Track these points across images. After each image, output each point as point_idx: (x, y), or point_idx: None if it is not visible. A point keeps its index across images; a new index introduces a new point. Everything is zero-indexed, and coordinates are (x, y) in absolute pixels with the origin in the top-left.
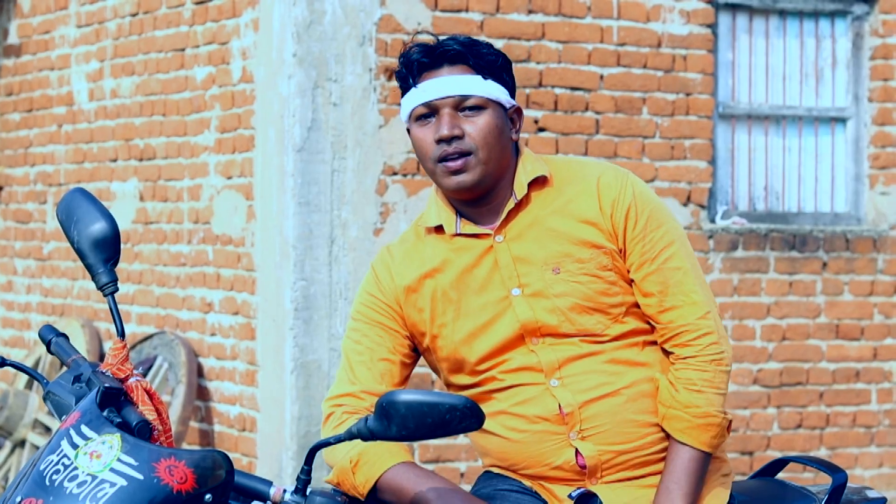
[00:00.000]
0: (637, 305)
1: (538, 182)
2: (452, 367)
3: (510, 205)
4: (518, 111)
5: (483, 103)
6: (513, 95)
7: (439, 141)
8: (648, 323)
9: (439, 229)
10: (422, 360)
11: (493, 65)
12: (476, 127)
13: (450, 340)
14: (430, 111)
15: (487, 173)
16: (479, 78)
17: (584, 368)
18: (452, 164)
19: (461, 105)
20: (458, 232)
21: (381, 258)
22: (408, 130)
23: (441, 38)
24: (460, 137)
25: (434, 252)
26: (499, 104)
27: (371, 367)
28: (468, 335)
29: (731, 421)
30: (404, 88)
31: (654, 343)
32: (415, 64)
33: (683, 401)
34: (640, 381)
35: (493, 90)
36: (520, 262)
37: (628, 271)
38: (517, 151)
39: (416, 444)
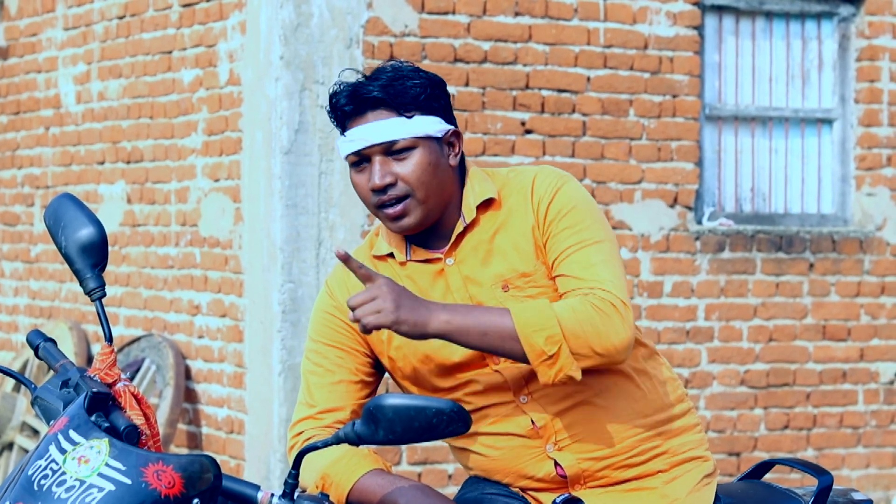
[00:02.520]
0: None
1: (487, 202)
2: (414, 386)
3: (459, 228)
4: (456, 134)
5: (411, 144)
6: (448, 118)
7: (374, 190)
8: None
9: (391, 256)
10: None
11: (418, 99)
12: (408, 169)
13: (407, 361)
14: (361, 158)
15: (429, 211)
16: (403, 120)
17: None
18: (392, 211)
19: (390, 149)
20: (409, 258)
21: (336, 275)
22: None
23: (368, 74)
24: (393, 184)
25: (388, 274)
26: (430, 138)
27: (331, 389)
28: (424, 356)
29: (561, 341)
30: (338, 130)
31: None
32: (339, 113)
33: (546, 303)
34: (608, 388)
35: (419, 128)
36: (470, 282)
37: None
38: (463, 171)
39: (403, 447)
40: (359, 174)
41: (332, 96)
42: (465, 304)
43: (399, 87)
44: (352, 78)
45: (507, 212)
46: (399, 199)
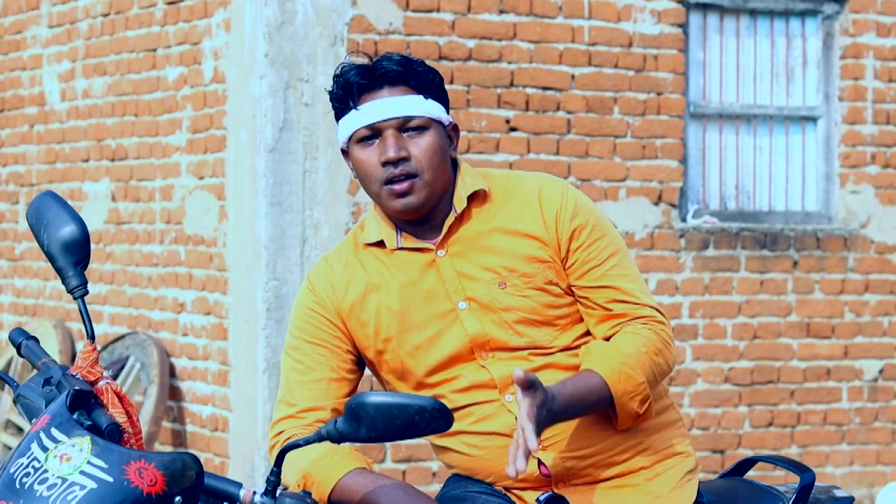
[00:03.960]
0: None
1: (477, 196)
2: (398, 381)
3: (451, 219)
4: (455, 128)
5: (426, 123)
6: (448, 112)
7: (385, 163)
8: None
9: (379, 244)
10: None
11: (431, 84)
12: (420, 148)
13: (395, 354)
14: (372, 133)
15: (432, 194)
16: (420, 98)
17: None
18: (399, 187)
19: (404, 126)
20: (400, 246)
21: (319, 270)
22: (343, 152)
23: (375, 57)
24: (406, 159)
25: (374, 266)
26: (439, 123)
27: (312, 387)
28: (414, 348)
29: (649, 398)
30: (341, 110)
31: None
32: (354, 86)
33: (616, 345)
34: None
35: (433, 109)
36: (464, 277)
37: (570, 280)
38: (455, 166)
39: (387, 445)
40: (365, 150)
41: (340, 74)
42: (570, 385)
43: (415, 68)
44: (360, 60)
45: (507, 213)
46: (408, 176)
